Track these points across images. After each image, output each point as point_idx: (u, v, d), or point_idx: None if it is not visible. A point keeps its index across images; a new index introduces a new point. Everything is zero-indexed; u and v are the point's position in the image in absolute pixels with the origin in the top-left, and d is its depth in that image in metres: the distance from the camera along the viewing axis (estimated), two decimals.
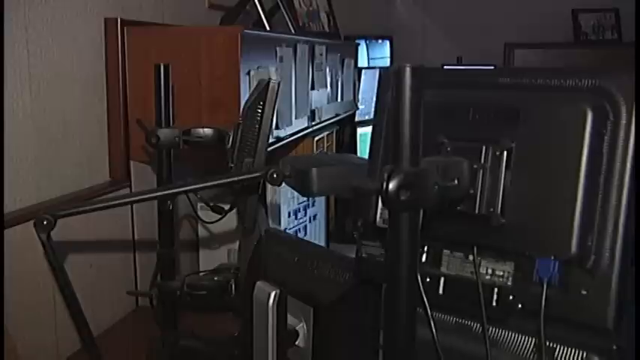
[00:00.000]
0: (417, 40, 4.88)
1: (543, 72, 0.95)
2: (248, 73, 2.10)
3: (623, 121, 0.87)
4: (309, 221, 2.50)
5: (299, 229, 2.41)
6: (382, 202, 0.79)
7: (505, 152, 0.93)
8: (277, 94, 1.52)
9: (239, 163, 1.61)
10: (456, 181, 0.88)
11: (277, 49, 2.39)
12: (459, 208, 0.95)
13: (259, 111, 1.53)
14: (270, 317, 1.24)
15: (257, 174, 1.29)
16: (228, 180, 1.35)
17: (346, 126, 3.86)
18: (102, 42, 2.12)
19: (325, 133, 3.31)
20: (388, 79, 1.10)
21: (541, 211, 0.91)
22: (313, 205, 2.50)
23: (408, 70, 0.78)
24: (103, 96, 2.15)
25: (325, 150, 3.31)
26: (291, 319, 1.29)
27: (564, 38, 4.65)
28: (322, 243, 2.62)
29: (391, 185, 0.77)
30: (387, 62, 4.80)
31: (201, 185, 1.32)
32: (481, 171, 0.94)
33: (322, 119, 3.01)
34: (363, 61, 4.45)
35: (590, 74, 0.90)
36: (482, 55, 4.41)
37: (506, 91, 0.98)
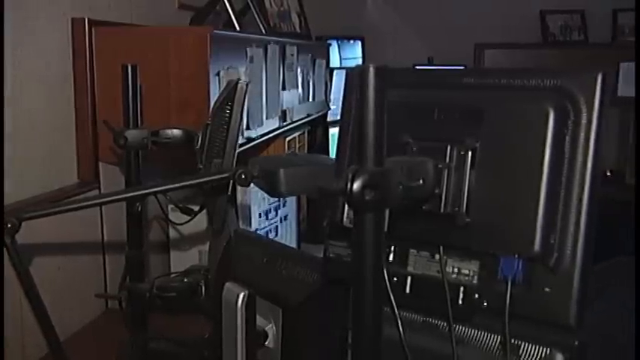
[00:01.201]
0: (388, 40, 4.90)
1: (507, 72, 0.96)
2: (217, 74, 2.09)
3: (584, 121, 0.89)
4: (280, 222, 2.49)
5: (270, 230, 2.41)
6: (347, 202, 0.79)
7: (470, 152, 0.94)
8: (245, 94, 1.52)
9: (208, 163, 1.61)
10: (421, 181, 0.88)
11: (247, 49, 2.38)
12: (424, 207, 0.95)
13: (227, 112, 1.53)
14: (239, 318, 1.24)
15: (225, 175, 1.28)
16: (197, 181, 1.34)
17: (318, 126, 3.87)
18: (69, 42, 2.09)
19: (297, 134, 3.31)
20: (354, 79, 1.11)
21: (505, 209, 0.92)
22: (284, 206, 2.50)
23: (371, 70, 0.78)
24: (71, 96, 2.12)
25: (297, 150, 3.31)
26: (260, 320, 1.29)
27: (533, 39, 4.71)
28: (293, 243, 2.61)
29: (355, 185, 0.77)
30: (358, 62, 4.81)
31: (169, 186, 1.31)
32: (446, 170, 0.95)
33: (294, 119, 3.01)
34: (335, 62, 4.46)
35: (552, 74, 0.92)
36: (453, 56, 4.45)
37: (471, 92, 0.99)
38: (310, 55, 3.36)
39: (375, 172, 0.78)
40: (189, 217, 1.84)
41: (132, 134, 1.71)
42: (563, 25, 4.68)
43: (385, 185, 0.79)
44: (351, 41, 4.84)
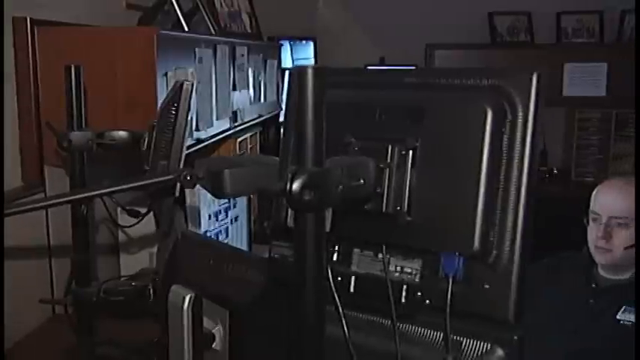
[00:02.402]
0: (340, 41, 4.92)
1: (446, 72, 0.97)
2: (165, 75, 2.07)
3: (520, 120, 0.90)
4: (231, 223, 2.48)
5: (220, 232, 2.39)
6: (287, 202, 0.79)
7: (410, 151, 0.95)
8: (191, 95, 1.51)
9: (154, 165, 1.59)
10: (361, 181, 0.88)
11: (196, 49, 2.37)
12: (366, 207, 0.96)
13: (173, 113, 1.51)
14: (186, 321, 1.23)
15: (170, 176, 1.26)
16: (141, 183, 1.31)
17: (270, 127, 3.86)
18: (10, 42, 2.05)
19: (248, 134, 3.30)
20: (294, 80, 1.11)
21: (445, 208, 0.93)
22: (234, 207, 2.49)
23: (310, 71, 0.79)
24: (14, 97, 2.07)
25: (249, 151, 3.30)
26: (207, 322, 1.28)
27: (482, 39, 4.79)
28: (244, 244, 2.61)
29: (294, 186, 0.77)
30: (311, 63, 4.82)
31: (113, 189, 1.29)
32: (387, 170, 0.95)
33: (245, 120, 3.00)
34: (287, 62, 4.46)
35: (490, 74, 0.93)
36: (404, 56, 4.49)
37: (412, 91, 1.00)
38: (261, 55, 3.35)
39: (314, 172, 0.79)
40: (136, 220, 1.82)
41: (76, 136, 1.68)
42: (511, 26, 4.77)
43: (324, 185, 0.80)
44: (304, 42, 4.84)
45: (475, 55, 4.66)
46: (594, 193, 2.07)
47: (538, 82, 0.90)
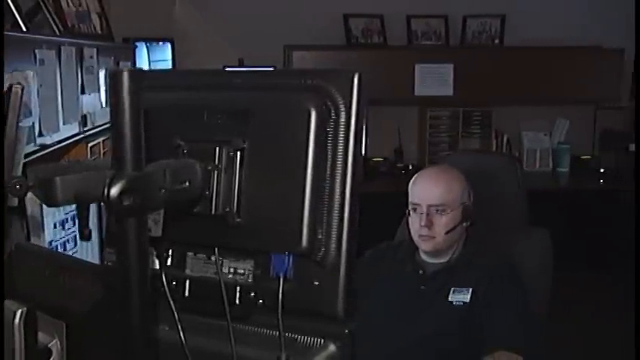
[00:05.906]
0: (199, 42, 4.86)
1: (272, 73, 0.99)
2: None
3: (342, 120, 0.93)
4: None
5: (68, 241, 2.29)
6: (106, 208, 0.77)
7: (238, 152, 0.95)
8: (21, 99, 1.43)
9: None
10: (187, 183, 0.88)
11: (36, 51, 2.25)
12: (196, 209, 0.95)
13: None
14: (17, 337, 1.17)
15: None
16: None
17: None
18: None
19: (101, 139, 3.18)
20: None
21: (274, 208, 0.95)
22: None
23: (125, 73, 0.77)
24: None
25: (102, 156, 3.19)
26: (44, 337, 1.22)
27: (338, 41, 4.90)
28: (96, 253, 2.51)
29: (112, 191, 0.76)
30: (168, 65, 4.73)
31: None
32: (215, 172, 0.95)
33: (96, 124, 2.89)
34: (143, 64, 4.35)
35: (313, 75, 0.95)
36: (263, 57, 4.50)
37: (238, 92, 1.00)
38: (113, 57, 3.24)
39: (133, 176, 0.77)
40: None
41: None
42: (365, 28, 4.92)
43: (145, 189, 0.79)
44: (160, 43, 4.74)
45: (331, 56, 4.77)
46: (411, 184, 2.12)
47: (359, 81, 0.93)
